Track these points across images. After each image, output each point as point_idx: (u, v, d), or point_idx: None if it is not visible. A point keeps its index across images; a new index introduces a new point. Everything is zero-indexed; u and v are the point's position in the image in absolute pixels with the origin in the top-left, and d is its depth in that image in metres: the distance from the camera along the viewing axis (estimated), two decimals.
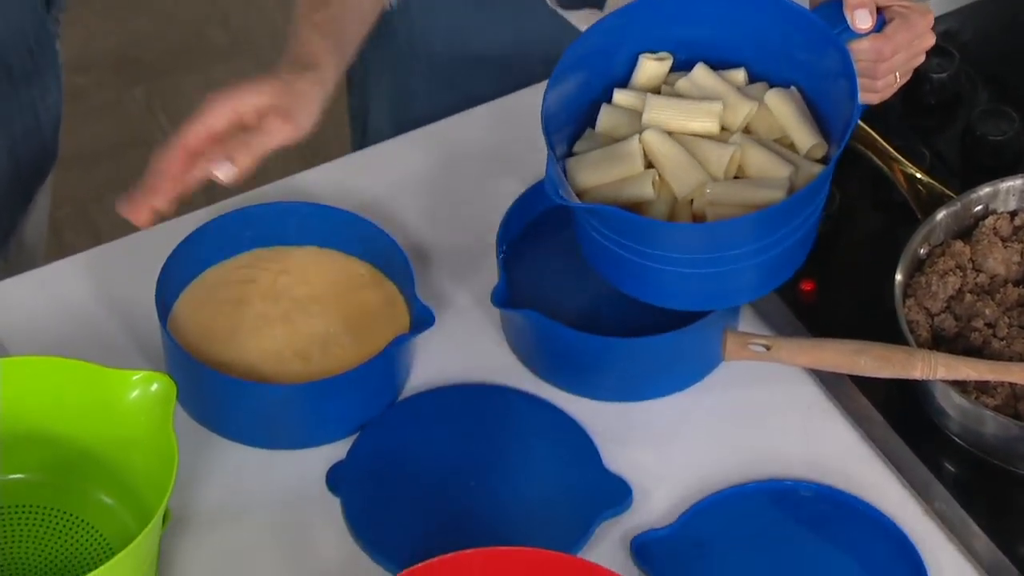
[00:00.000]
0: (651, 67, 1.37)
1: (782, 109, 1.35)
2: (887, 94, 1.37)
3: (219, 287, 1.42)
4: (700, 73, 1.37)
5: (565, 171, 1.33)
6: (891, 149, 1.49)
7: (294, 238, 1.44)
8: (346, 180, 1.53)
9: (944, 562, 1.31)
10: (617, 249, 1.32)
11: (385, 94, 1.68)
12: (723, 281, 1.32)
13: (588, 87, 1.37)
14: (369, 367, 1.35)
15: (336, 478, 1.34)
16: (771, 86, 1.37)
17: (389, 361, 1.36)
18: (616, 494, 1.33)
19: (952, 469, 1.36)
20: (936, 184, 1.46)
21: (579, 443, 1.36)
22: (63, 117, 1.62)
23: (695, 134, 1.35)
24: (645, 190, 1.32)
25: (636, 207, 1.33)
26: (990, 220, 1.44)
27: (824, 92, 1.35)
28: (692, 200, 1.33)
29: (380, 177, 1.53)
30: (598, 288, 1.40)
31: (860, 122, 1.50)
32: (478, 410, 1.38)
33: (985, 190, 1.44)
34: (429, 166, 1.54)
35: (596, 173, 1.33)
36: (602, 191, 1.33)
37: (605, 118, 1.37)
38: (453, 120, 1.57)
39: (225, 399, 1.36)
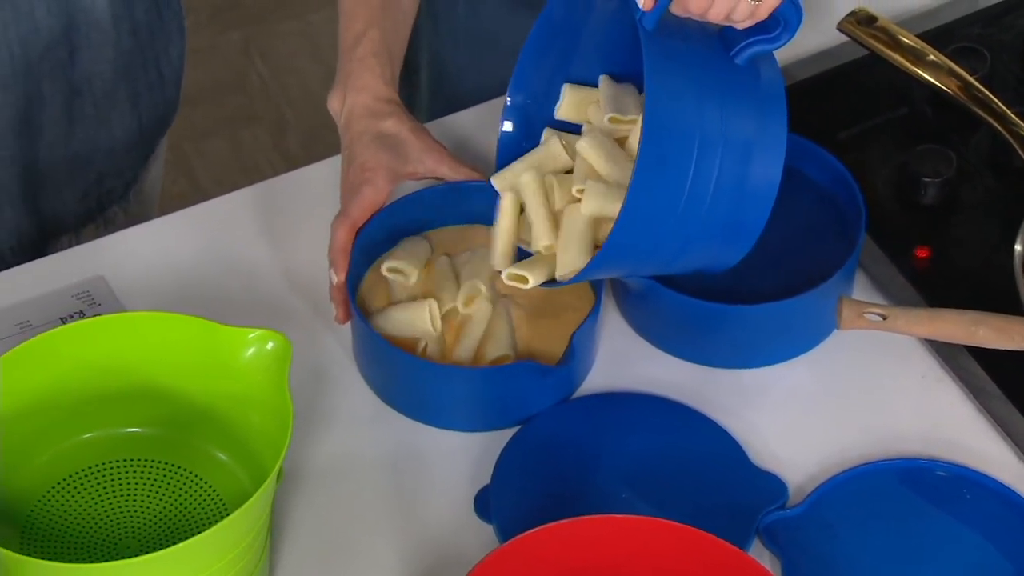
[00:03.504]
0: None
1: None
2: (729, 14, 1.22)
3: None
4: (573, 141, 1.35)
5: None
6: (1011, 114, 1.47)
7: (475, 217, 1.41)
8: None
9: None
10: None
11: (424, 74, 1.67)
12: (696, 250, 1.29)
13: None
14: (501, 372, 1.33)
15: (484, 499, 1.31)
16: None
17: (514, 377, 1.34)
18: (771, 491, 1.31)
19: None
20: None
21: (726, 447, 1.34)
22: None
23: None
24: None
25: None
26: None
27: None
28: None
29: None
30: None
31: (979, 85, 1.48)
32: (631, 418, 1.35)
33: None
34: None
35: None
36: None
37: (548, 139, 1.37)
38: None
39: (397, 373, 1.35)
